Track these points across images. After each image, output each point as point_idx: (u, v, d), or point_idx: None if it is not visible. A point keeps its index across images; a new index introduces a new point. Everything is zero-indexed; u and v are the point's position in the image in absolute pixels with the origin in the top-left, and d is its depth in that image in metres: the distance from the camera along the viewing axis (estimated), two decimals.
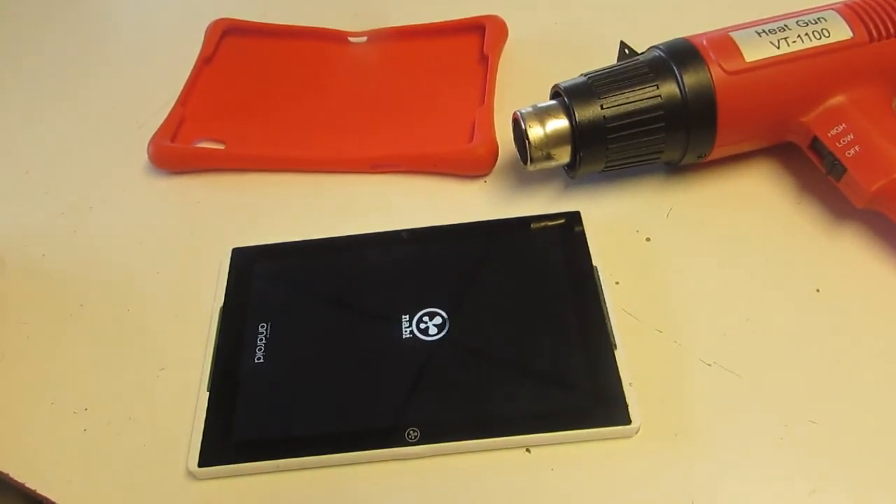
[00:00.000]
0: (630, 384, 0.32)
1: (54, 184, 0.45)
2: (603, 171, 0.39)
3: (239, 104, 0.47)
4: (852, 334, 0.34)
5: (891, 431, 0.31)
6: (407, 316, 0.35)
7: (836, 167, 0.36)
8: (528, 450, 0.32)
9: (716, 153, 0.39)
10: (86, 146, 0.47)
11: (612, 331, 0.34)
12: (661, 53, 0.38)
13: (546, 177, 0.42)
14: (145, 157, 0.44)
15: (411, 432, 0.31)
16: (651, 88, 0.37)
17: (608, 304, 0.34)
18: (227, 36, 0.51)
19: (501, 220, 0.39)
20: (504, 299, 0.35)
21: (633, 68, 0.38)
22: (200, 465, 0.32)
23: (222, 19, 0.51)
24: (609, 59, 0.42)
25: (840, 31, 0.37)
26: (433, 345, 0.34)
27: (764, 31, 0.37)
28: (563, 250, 0.37)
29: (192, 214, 0.43)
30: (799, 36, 0.37)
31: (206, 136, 0.46)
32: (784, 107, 0.38)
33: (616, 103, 0.37)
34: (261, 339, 0.35)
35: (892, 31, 0.37)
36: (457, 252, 0.38)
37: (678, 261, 0.37)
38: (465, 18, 0.49)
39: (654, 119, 0.37)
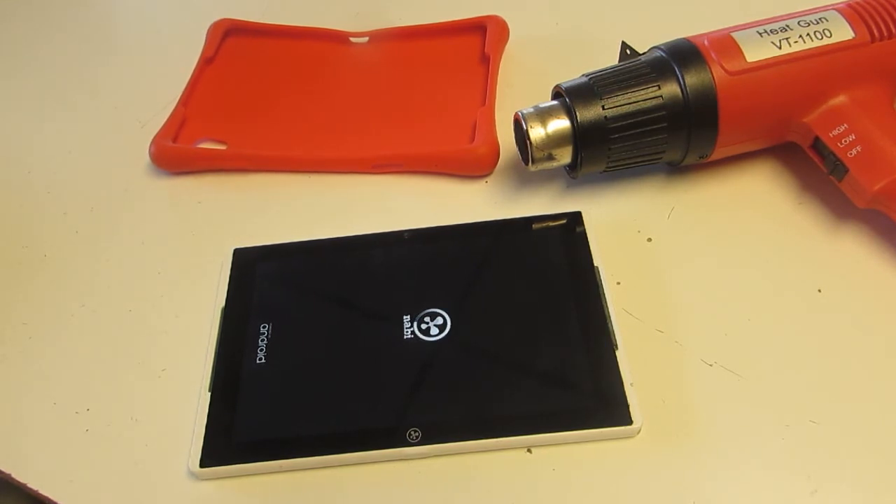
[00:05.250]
0: (631, 384, 0.32)
1: (56, 183, 0.45)
2: (604, 171, 0.39)
3: (241, 104, 0.48)
4: (854, 334, 0.34)
5: (892, 431, 0.31)
6: (408, 316, 0.35)
7: (837, 167, 0.36)
8: (529, 450, 0.32)
9: (717, 153, 0.39)
10: (88, 146, 0.47)
11: (613, 331, 0.34)
12: (663, 54, 0.38)
13: (547, 177, 0.42)
14: (147, 157, 0.44)
15: (412, 433, 0.31)
16: (653, 89, 0.37)
17: (609, 305, 0.34)
18: (228, 36, 0.51)
19: (503, 220, 0.39)
20: (505, 299, 0.35)
21: (634, 68, 0.38)
22: (202, 465, 0.32)
23: (224, 20, 0.52)
24: (610, 59, 0.42)
25: (842, 32, 0.37)
26: (434, 345, 0.34)
27: (765, 32, 0.37)
28: (564, 250, 0.37)
29: (193, 215, 0.43)
30: (800, 36, 0.37)
31: (207, 136, 0.46)
32: (785, 107, 0.38)
33: (617, 104, 0.37)
34: (262, 340, 0.35)
35: (893, 31, 0.37)
36: (458, 252, 0.38)
37: (679, 261, 0.37)
38: (467, 19, 0.49)
39: (656, 119, 0.37)
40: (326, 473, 0.32)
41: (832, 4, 0.39)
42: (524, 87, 0.47)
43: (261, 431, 0.32)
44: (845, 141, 0.36)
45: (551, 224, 0.38)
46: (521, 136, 0.39)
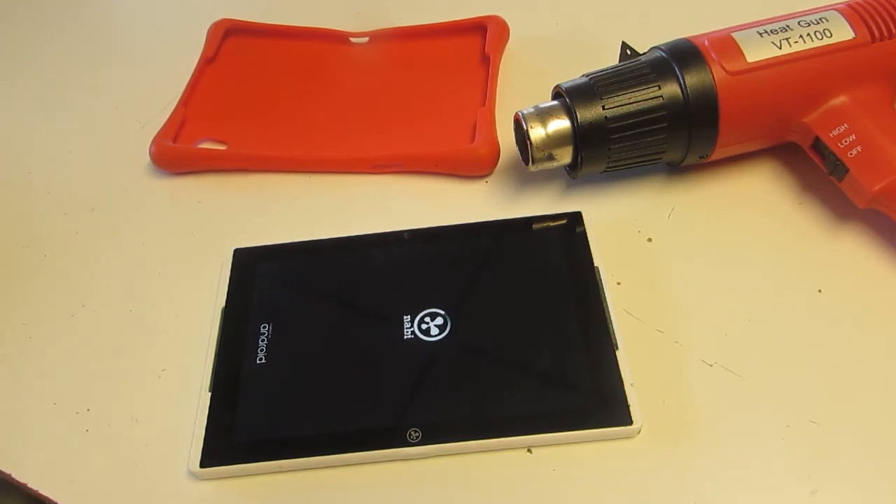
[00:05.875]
0: (631, 384, 0.32)
1: (56, 184, 0.45)
2: (604, 171, 0.39)
3: (241, 104, 0.48)
4: (854, 335, 0.34)
5: (892, 431, 0.31)
6: (408, 316, 0.35)
7: (838, 167, 0.36)
8: (529, 450, 0.32)
9: (717, 153, 0.39)
10: (88, 146, 0.47)
11: (613, 331, 0.34)
12: (663, 54, 0.38)
13: (547, 177, 0.42)
14: (147, 157, 0.44)
15: (413, 433, 0.31)
16: (653, 89, 0.37)
17: (609, 305, 0.34)
18: (229, 36, 0.51)
19: (503, 220, 0.39)
20: (505, 300, 0.35)
21: (634, 69, 0.38)
22: (202, 465, 0.32)
23: (224, 20, 0.52)
24: (611, 59, 0.42)
25: (842, 32, 0.37)
26: (434, 345, 0.34)
27: (766, 32, 0.37)
28: (564, 251, 0.37)
29: (193, 215, 0.43)
30: (801, 36, 0.37)
31: (207, 136, 0.46)
32: (786, 107, 0.38)
33: (618, 104, 0.37)
34: (262, 340, 0.35)
35: (893, 31, 0.37)
36: (458, 252, 0.38)
37: (679, 261, 0.37)
38: (467, 19, 0.49)
39: (656, 119, 0.37)
40: (326, 473, 0.32)
41: (832, 4, 0.39)
42: (524, 87, 0.47)
43: (261, 431, 0.32)
44: (845, 141, 0.36)
45: (551, 224, 0.38)
46: (522, 136, 0.39)
